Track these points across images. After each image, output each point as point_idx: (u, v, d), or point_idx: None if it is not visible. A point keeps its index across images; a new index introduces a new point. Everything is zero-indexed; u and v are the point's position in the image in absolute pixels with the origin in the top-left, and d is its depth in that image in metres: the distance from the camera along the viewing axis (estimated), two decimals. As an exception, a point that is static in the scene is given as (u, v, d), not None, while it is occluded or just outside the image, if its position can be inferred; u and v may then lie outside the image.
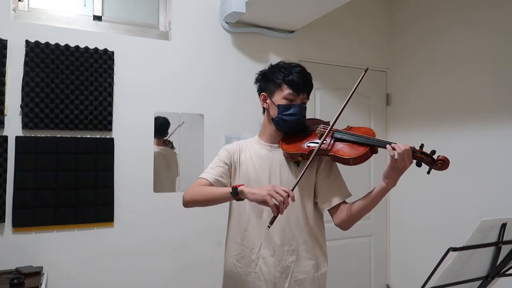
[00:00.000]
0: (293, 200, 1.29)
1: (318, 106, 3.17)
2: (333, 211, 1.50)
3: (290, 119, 1.49)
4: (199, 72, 2.79)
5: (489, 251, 1.09)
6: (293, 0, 2.56)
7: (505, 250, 1.10)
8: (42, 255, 2.32)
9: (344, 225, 1.47)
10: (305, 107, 1.53)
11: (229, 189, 1.36)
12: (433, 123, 3.00)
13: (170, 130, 2.69)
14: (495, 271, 1.12)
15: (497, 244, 1.07)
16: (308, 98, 1.54)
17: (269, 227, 1.32)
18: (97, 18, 2.61)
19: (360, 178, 3.25)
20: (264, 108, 1.59)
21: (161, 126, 2.67)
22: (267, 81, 1.56)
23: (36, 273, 2.13)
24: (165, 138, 2.68)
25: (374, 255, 3.38)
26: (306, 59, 3.15)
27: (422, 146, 1.33)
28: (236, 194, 1.34)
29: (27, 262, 2.26)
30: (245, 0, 2.61)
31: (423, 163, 1.32)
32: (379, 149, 1.38)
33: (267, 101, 1.55)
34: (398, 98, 3.38)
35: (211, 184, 1.50)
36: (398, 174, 1.31)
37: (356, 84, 1.45)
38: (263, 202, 1.29)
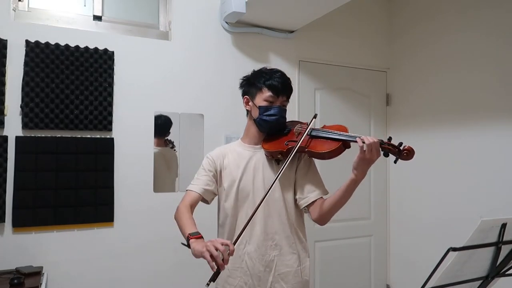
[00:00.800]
0: (231, 254, 1.26)
1: (318, 106, 3.17)
2: (310, 207, 1.58)
3: (270, 119, 1.59)
4: (199, 72, 2.79)
5: (489, 251, 1.09)
6: (293, 0, 2.56)
7: (505, 250, 1.10)
8: (42, 255, 2.32)
9: (322, 219, 1.54)
10: (285, 109, 1.63)
11: (187, 235, 1.39)
12: (433, 123, 3.00)
13: (171, 130, 2.69)
14: (495, 271, 1.13)
15: (497, 244, 1.08)
16: (287, 101, 1.64)
17: (208, 284, 1.27)
18: (97, 18, 2.61)
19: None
20: (247, 111, 1.70)
21: (163, 125, 2.67)
22: (249, 85, 1.67)
23: (36, 273, 2.14)
24: (166, 138, 2.68)
25: (374, 255, 3.38)
26: (306, 59, 3.15)
27: (390, 138, 1.43)
28: (188, 245, 1.37)
29: (27, 262, 2.26)
30: (245, 0, 2.61)
31: (390, 154, 1.42)
32: (352, 144, 1.47)
33: (250, 103, 1.66)
34: (398, 98, 3.38)
35: (200, 195, 1.59)
36: (366, 165, 1.39)
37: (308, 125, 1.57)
38: (203, 258, 1.27)
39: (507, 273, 1.16)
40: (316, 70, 3.19)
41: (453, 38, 2.87)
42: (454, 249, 0.99)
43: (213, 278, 1.27)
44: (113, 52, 2.52)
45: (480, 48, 2.67)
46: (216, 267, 1.24)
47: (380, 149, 1.39)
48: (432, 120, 3.01)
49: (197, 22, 2.82)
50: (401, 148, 1.39)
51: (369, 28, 3.41)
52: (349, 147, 1.48)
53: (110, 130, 2.51)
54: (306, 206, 1.59)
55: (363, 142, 1.36)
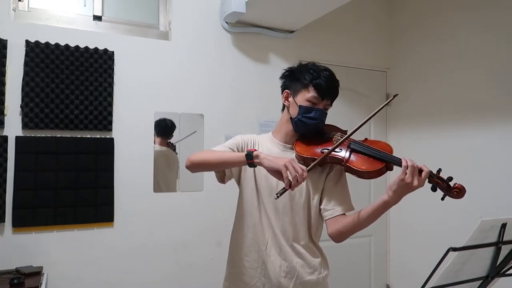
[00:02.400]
0: (303, 180, 1.27)
1: (318, 106, 3.17)
2: (330, 221, 1.48)
3: (309, 122, 1.46)
4: (199, 72, 2.79)
5: (489, 251, 1.09)
6: (293, 0, 2.56)
7: (505, 250, 1.10)
8: (42, 255, 2.32)
9: (338, 236, 1.45)
10: (326, 113, 1.51)
11: (243, 152, 1.32)
12: (433, 123, 3.00)
13: (174, 133, 2.71)
14: (495, 271, 1.12)
15: (497, 244, 1.07)
16: (331, 105, 1.51)
17: (277, 197, 1.29)
18: (97, 18, 2.61)
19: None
20: (284, 106, 1.57)
21: (167, 128, 2.68)
22: (293, 79, 1.53)
23: (36, 273, 2.13)
24: (169, 141, 2.69)
25: (374, 255, 3.38)
26: (306, 59, 3.11)
27: (439, 170, 1.31)
28: (251, 158, 1.30)
29: (27, 262, 2.26)
30: (245, 0, 2.61)
31: (438, 188, 1.31)
32: (395, 167, 1.36)
33: (289, 99, 1.52)
34: (398, 98, 3.35)
35: None
36: (405, 190, 1.27)
37: (384, 104, 1.46)
38: (277, 173, 1.27)
39: (507, 273, 1.16)
40: (316, 70, 3.18)
41: (453, 38, 2.87)
42: (454, 249, 0.99)
43: (282, 193, 1.29)
44: (113, 52, 2.52)
45: (480, 48, 2.67)
46: (289, 186, 1.24)
47: (427, 181, 1.28)
48: (432, 120, 3.01)
49: (197, 22, 2.82)
50: (451, 184, 1.29)
51: (369, 28, 3.41)
52: (391, 169, 1.36)
53: (110, 130, 2.51)
54: (327, 219, 1.49)
55: (407, 162, 1.24)
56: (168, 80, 2.70)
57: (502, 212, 2.40)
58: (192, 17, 2.80)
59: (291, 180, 1.25)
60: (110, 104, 2.51)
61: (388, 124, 3.45)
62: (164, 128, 2.68)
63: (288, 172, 1.25)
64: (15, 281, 1.96)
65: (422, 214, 3.06)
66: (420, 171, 1.25)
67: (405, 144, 3.18)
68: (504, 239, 1.07)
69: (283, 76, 1.58)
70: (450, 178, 1.30)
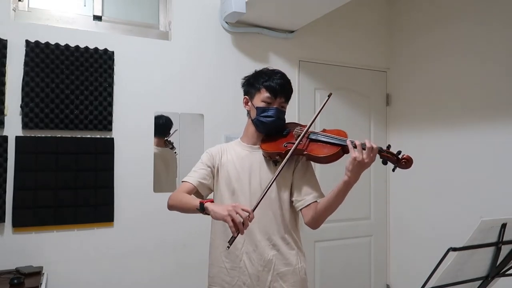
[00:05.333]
0: (251, 220, 1.34)
1: (318, 106, 3.16)
2: (304, 210, 1.58)
3: (267, 120, 1.59)
4: (199, 72, 2.79)
5: (489, 251, 1.09)
6: (293, 0, 2.56)
7: (505, 250, 1.10)
8: (42, 255, 2.32)
9: (313, 223, 1.55)
10: (283, 111, 1.63)
11: (197, 204, 1.43)
12: (433, 123, 3.00)
13: (172, 130, 2.69)
14: (495, 271, 1.13)
15: (497, 244, 1.08)
16: (286, 102, 1.64)
17: (228, 247, 1.38)
18: (97, 18, 2.61)
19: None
20: (247, 111, 1.70)
21: (164, 126, 2.67)
22: (249, 86, 1.67)
23: (36, 273, 2.13)
24: (166, 139, 2.68)
25: (374, 255, 3.38)
26: (306, 59, 3.15)
27: (389, 146, 1.44)
28: (203, 210, 1.41)
29: (27, 262, 2.26)
30: (245, 0, 2.61)
31: (388, 162, 1.43)
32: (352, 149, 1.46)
33: (249, 103, 1.67)
34: (398, 98, 3.38)
35: (195, 187, 1.60)
36: (361, 168, 1.38)
37: (321, 107, 1.55)
38: (224, 221, 1.34)
39: (507, 273, 1.16)
40: (316, 70, 3.19)
41: (453, 38, 2.87)
42: (454, 249, 0.99)
43: (232, 242, 1.35)
44: (113, 52, 2.52)
45: (481, 48, 2.67)
46: (237, 232, 1.31)
47: (379, 157, 1.41)
48: (432, 120, 3.01)
49: (197, 22, 2.82)
50: (400, 156, 1.40)
51: (369, 28, 3.41)
52: (348, 152, 1.47)
53: (110, 130, 2.51)
54: (301, 209, 1.59)
55: (355, 141, 1.39)
56: (168, 80, 2.70)
57: (502, 212, 2.40)
58: (192, 17, 2.80)
59: (237, 225, 1.31)
60: (110, 104, 2.51)
61: (388, 124, 3.45)
62: (161, 126, 2.65)
63: (231, 219, 1.31)
64: (15, 281, 1.96)
65: (422, 214, 3.07)
66: (370, 148, 1.37)
67: (405, 144, 3.18)
68: (504, 239, 1.07)
69: (242, 85, 1.73)
70: (399, 152, 1.41)
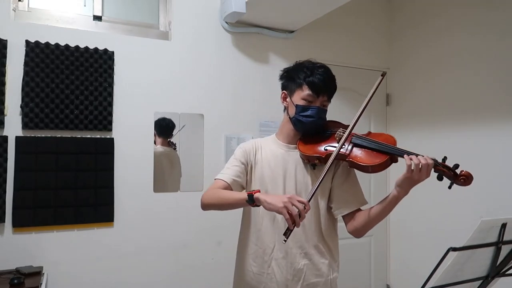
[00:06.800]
0: (306, 212, 1.26)
1: (318, 106, 3.17)
2: (347, 218, 1.49)
3: (307, 120, 1.47)
4: (199, 72, 2.79)
5: (489, 251, 1.09)
6: (293, 0, 2.55)
7: (505, 250, 1.10)
8: (42, 255, 2.32)
9: (357, 232, 1.47)
10: (325, 110, 1.51)
11: (245, 195, 1.33)
12: (433, 123, 3.00)
13: (174, 132, 2.71)
14: (495, 271, 1.13)
15: (497, 244, 1.08)
16: (329, 101, 1.52)
17: (285, 241, 1.29)
18: (97, 18, 2.61)
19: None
20: (284, 107, 1.58)
21: (167, 127, 2.68)
22: (289, 79, 1.54)
23: (36, 273, 2.13)
24: (169, 140, 2.69)
25: (374, 255, 3.37)
26: (306, 59, 3.14)
27: (444, 159, 1.30)
28: (252, 201, 1.31)
29: (27, 262, 2.26)
30: (245, 0, 2.61)
31: (444, 177, 1.30)
32: (399, 158, 1.35)
33: (287, 99, 1.54)
34: (398, 98, 3.38)
35: (228, 185, 1.48)
36: (412, 185, 1.29)
37: (374, 89, 1.49)
38: (279, 213, 1.27)
39: (507, 273, 1.16)
40: (316, 70, 3.18)
41: (453, 38, 2.87)
42: (454, 249, 0.99)
43: (288, 235, 1.27)
44: (113, 52, 2.52)
45: (480, 48, 2.67)
46: (293, 225, 1.23)
47: (433, 171, 1.28)
48: (432, 120, 3.01)
49: (197, 22, 2.82)
50: (458, 172, 1.28)
51: (369, 28, 3.41)
52: (396, 161, 1.35)
53: (110, 130, 2.51)
54: (341, 216, 1.50)
55: (411, 160, 1.25)
56: (168, 80, 2.70)
57: (502, 212, 2.40)
58: (192, 17, 2.80)
59: (294, 217, 1.23)
60: (110, 104, 2.51)
61: (388, 124, 3.45)
62: (164, 128, 2.67)
63: (287, 211, 1.23)
64: (15, 281, 1.96)
65: (422, 214, 3.06)
66: (426, 165, 1.25)
67: (405, 144, 3.16)
68: (504, 239, 1.07)
69: (281, 77, 1.60)
70: (457, 166, 1.29)
